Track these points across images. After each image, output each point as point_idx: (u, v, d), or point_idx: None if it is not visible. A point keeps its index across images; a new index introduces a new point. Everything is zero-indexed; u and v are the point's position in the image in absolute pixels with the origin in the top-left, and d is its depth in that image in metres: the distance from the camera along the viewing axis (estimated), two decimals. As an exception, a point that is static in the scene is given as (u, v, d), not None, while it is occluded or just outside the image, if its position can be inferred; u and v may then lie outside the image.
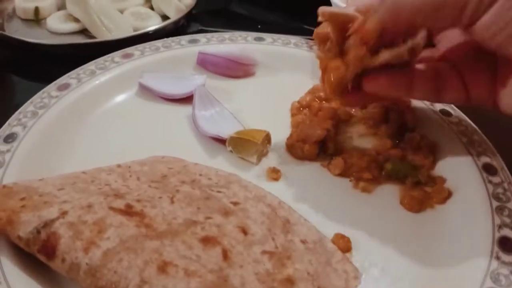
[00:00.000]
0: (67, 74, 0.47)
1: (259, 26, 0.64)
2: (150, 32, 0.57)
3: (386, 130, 0.44)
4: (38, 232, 0.30)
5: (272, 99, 0.48)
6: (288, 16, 0.67)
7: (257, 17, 0.68)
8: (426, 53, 0.36)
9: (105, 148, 0.42)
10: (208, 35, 0.54)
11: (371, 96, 0.36)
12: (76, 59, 0.49)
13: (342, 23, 0.33)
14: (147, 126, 0.45)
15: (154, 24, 0.61)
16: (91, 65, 0.48)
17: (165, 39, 0.53)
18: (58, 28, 0.60)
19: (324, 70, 0.36)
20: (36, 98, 0.44)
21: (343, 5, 0.51)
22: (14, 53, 0.57)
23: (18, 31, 0.61)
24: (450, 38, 0.36)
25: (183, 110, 0.46)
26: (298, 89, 0.49)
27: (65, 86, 0.45)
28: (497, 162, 0.39)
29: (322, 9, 0.33)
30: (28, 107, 0.43)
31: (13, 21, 0.63)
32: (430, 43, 0.37)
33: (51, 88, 0.45)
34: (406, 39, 0.32)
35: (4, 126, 0.40)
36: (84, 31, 0.60)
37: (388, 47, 0.32)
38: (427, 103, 0.45)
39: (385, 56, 0.32)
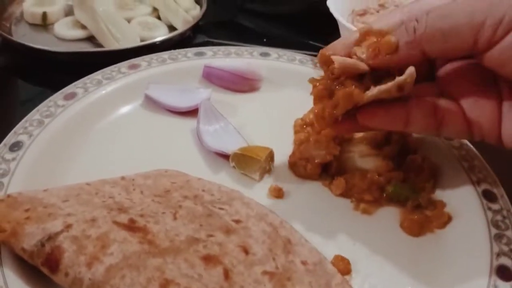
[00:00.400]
0: (73, 84, 0.47)
1: (264, 40, 0.65)
2: (157, 43, 0.57)
3: (388, 151, 0.44)
4: (42, 245, 0.31)
5: (276, 115, 0.49)
6: (294, 30, 0.68)
7: (263, 30, 0.68)
8: (425, 87, 0.35)
9: (110, 159, 0.42)
10: (215, 48, 0.55)
11: (366, 127, 0.35)
12: (82, 66, 0.50)
13: (348, 69, 0.33)
14: (152, 138, 0.45)
15: (161, 34, 0.61)
16: (97, 75, 0.49)
17: (172, 51, 0.53)
18: (65, 34, 0.60)
19: (316, 98, 0.36)
20: (42, 107, 0.44)
21: (354, 28, 0.51)
22: (21, 58, 0.58)
23: (25, 36, 0.61)
24: (452, 72, 0.35)
25: (188, 123, 0.47)
26: (302, 106, 0.49)
27: (72, 96, 0.46)
28: (497, 189, 0.40)
29: (336, 59, 0.33)
30: (34, 115, 0.43)
31: (21, 25, 0.64)
32: (431, 77, 0.36)
33: (57, 97, 0.45)
34: (394, 75, 0.32)
35: (10, 134, 0.41)
36: (91, 38, 0.60)
37: (377, 83, 0.32)
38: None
39: (373, 92, 0.32)
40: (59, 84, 0.48)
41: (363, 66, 0.33)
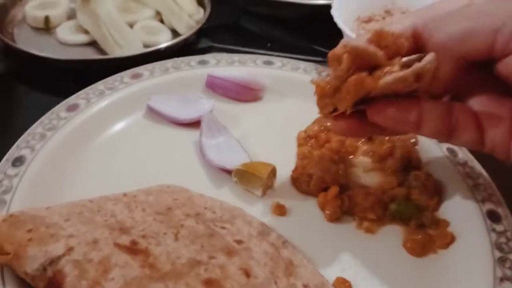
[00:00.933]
0: (76, 94, 0.47)
1: (268, 45, 0.64)
2: (161, 49, 0.56)
3: (391, 165, 0.44)
4: (44, 269, 0.31)
5: (279, 126, 0.49)
6: (298, 34, 0.67)
7: (266, 34, 0.67)
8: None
9: (112, 172, 0.42)
10: (218, 56, 0.54)
11: (373, 129, 0.33)
12: (86, 72, 0.49)
13: (360, 57, 0.30)
14: (154, 150, 0.45)
15: (164, 39, 0.61)
16: (100, 85, 0.48)
17: (175, 59, 0.53)
18: (68, 39, 0.60)
19: (320, 95, 0.33)
20: (44, 119, 0.44)
21: (353, 35, 0.51)
22: (23, 63, 0.57)
23: (28, 40, 0.61)
24: (468, 78, 0.33)
25: (191, 135, 0.46)
26: (305, 117, 0.48)
27: (74, 107, 0.46)
28: (502, 209, 0.39)
29: (345, 41, 0.30)
30: (36, 128, 0.43)
31: (23, 28, 0.63)
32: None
33: (60, 109, 0.45)
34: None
35: (12, 149, 0.41)
36: (94, 43, 0.60)
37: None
38: (433, 145, 0.45)
39: (388, 80, 0.29)
40: (62, 90, 0.48)
41: (379, 52, 0.29)
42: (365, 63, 0.30)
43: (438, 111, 0.31)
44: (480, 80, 0.32)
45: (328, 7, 0.61)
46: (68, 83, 0.52)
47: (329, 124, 0.37)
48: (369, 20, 0.57)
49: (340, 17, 0.53)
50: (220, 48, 0.63)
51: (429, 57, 0.29)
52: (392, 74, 0.29)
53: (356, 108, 0.32)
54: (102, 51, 0.59)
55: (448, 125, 0.31)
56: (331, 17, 0.54)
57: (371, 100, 0.31)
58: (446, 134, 0.32)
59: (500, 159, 0.32)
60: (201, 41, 0.64)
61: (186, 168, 0.43)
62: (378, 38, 0.30)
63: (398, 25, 0.31)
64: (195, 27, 0.61)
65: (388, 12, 0.58)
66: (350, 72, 0.30)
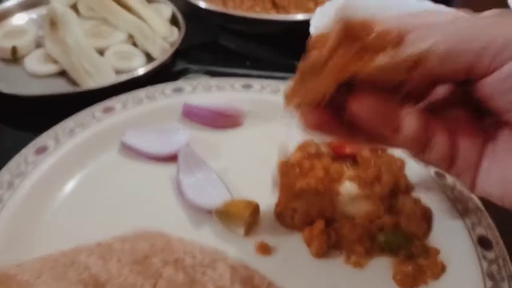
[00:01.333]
0: (45, 133, 0.45)
1: (247, 63, 0.62)
2: (134, 78, 0.54)
3: (378, 192, 0.42)
4: None
5: (261, 154, 0.47)
6: (278, 51, 0.65)
7: (245, 51, 0.65)
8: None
9: (86, 219, 0.40)
10: (194, 82, 0.52)
11: (349, 129, 0.30)
12: (57, 105, 0.48)
13: (351, 36, 0.26)
14: (130, 191, 0.43)
15: (138, 63, 0.59)
16: (70, 122, 0.46)
17: (148, 88, 0.51)
18: (36, 70, 0.57)
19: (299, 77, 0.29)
20: (12, 165, 0.42)
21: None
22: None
23: (-4, 73, 0.58)
24: (444, 95, 0.31)
25: (168, 170, 0.44)
26: (287, 143, 0.47)
27: (43, 149, 0.43)
28: (492, 234, 0.38)
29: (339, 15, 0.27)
30: (3, 176, 0.41)
31: (-9, 59, 0.60)
32: None
33: (28, 152, 0.43)
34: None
35: (-22, 201, 0.38)
36: (65, 73, 0.57)
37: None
38: (420, 167, 0.44)
39: (381, 61, 0.26)
40: (34, 125, 0.46)
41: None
42: (352, 45, 0.26)
43: (419, 116, 0.29)
44: (457, 97, 0.30)
45: (306, 23, 0.60)
46: (39, 116, 0.50)
47: (299, 115, 0.32)
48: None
49: (317, 27, 0.52)
50: (197, 70, 0.61)
51: (431, 40, 0.25)
52: (388, 55, 0.26)
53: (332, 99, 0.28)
54: (74, 81, 0.56)
55: (424, 136, 0.29)
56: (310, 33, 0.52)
57: (351, 90, 0.28)
58: (420, 147, 0.29)
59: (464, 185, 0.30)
60: (177, 63, 0.62)
61: (164, 208, 0.41)
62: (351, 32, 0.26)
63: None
64: (170, 50, 0.59)
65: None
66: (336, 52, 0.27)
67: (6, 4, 0.66)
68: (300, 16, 0.62)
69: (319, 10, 0.54)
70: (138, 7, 0.63)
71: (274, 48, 0.65)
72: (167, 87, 0.51)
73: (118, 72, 0.57)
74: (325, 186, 0.42)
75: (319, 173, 0.43)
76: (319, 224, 0.39)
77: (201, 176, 0.42)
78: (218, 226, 0.40)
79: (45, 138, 0.44)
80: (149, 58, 0.60)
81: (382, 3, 0.56)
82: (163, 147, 0.45)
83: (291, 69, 0.59)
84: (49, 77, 0.57)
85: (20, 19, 0.66)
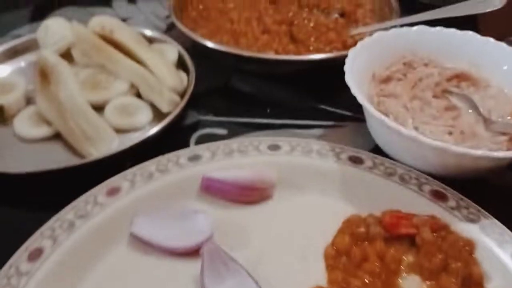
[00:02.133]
0: (39, 232, 0.37)
1: (268, 110, 0.54)
2: (139, 143, 0.46)
3: (446, 284, 0.35)
4: None
5: (298, 236, 0.39)
6: (300, 93, 0.57)
7: (264, 96, 0.57)
8: None
9: None
10: (212, 146, 0.44)
11: None
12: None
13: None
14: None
15: (144, 118, 0.51)
16: (69, 213, 0.38)
17: (159, 158, 0.43)
18: (27, 134, 0.50)
19: None
20: (2, 278, 0.34)
21: (360, 96, 0.42)
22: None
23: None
24: None
25: (190, 267, 0.36)
26: (327, 218, 0.40)
27: (38, 253, 0.35)
28: None
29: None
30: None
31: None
32: None
33: (21, 258, 0.35)
34: None
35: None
36: (59, 135, 0.50)
37: None
38: (495, 249, 0.36)
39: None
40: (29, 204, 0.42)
41: None
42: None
43: None
44: None
45: (329, 60, 0.53)
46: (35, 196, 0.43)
47: None
48: (387, 80, 0.48)
49: (351, 74, 0.44)
50: (211, 123, 0.53)
51: None
52: None
53: None
54: (70, 145, 0.49)
55: None
56: (334, 70, 0.45)
57: None
58: None
59: None
60: (187, 116, 0.54)
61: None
62: None
63: None
64: (179, 102, 0.51)
65: (408, 65, 0.49)
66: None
67: (-11, 52, 0.58)
68: (321, 56, 0.54)
69: (351, 53, 0.46)
70: (140, 50, 0.55)
71: (296, 90, 0.57)
72: (182, 156, 0.43)
73: (120, 131, 0.50)
74: (383, 282, 0.35)
75: (374, 266, 0.36)
76: None
77: (233, 283, 0.34)
78: None
79: (40, 238, 0.36)
80: (154, 108, 0.52)
81: (422, 37, 0.49)
82: (181, 239, 0.37)
83: (318, 115, 0.52)
84: (42, 142, 0.50)
85: (5, 69, 0.58)
